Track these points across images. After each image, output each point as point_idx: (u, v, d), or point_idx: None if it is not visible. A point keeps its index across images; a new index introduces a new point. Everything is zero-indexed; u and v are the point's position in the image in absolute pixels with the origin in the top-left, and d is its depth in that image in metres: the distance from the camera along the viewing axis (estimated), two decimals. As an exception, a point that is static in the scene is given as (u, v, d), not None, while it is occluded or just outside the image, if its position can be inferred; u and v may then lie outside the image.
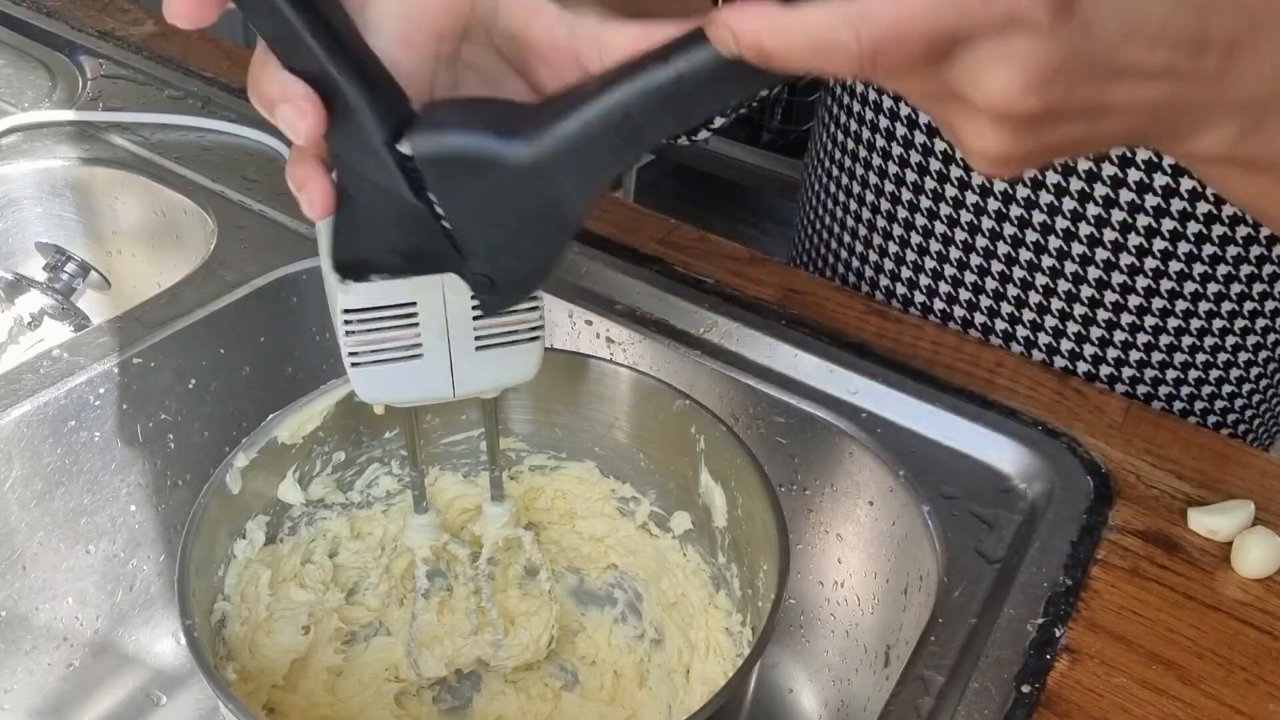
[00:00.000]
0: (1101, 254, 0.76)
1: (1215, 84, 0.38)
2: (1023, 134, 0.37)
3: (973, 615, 0.59)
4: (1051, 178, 0.75)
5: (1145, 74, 0.37)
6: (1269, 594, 0.61)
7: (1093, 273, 0.78)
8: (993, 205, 0.79)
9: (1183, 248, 0.74)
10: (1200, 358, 0.81)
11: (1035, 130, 0.37)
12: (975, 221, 0.80)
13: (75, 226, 0.91)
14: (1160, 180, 0.72)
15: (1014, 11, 0.33)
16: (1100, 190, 0.74)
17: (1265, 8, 0.38)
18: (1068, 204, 0.76)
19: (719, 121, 0.78)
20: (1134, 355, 0.81)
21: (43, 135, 0.91)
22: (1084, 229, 0.76)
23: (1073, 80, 0.35)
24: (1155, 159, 0.72)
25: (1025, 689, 0.55)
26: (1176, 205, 0.73)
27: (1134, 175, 0.73)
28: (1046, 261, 0.78)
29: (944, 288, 0.84)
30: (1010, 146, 0.37)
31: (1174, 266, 0.75)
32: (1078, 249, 0.77)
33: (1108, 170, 0.73)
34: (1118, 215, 0.74)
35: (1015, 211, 0.78)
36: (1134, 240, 0.75)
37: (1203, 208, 0.72)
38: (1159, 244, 0.74)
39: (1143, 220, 0.74)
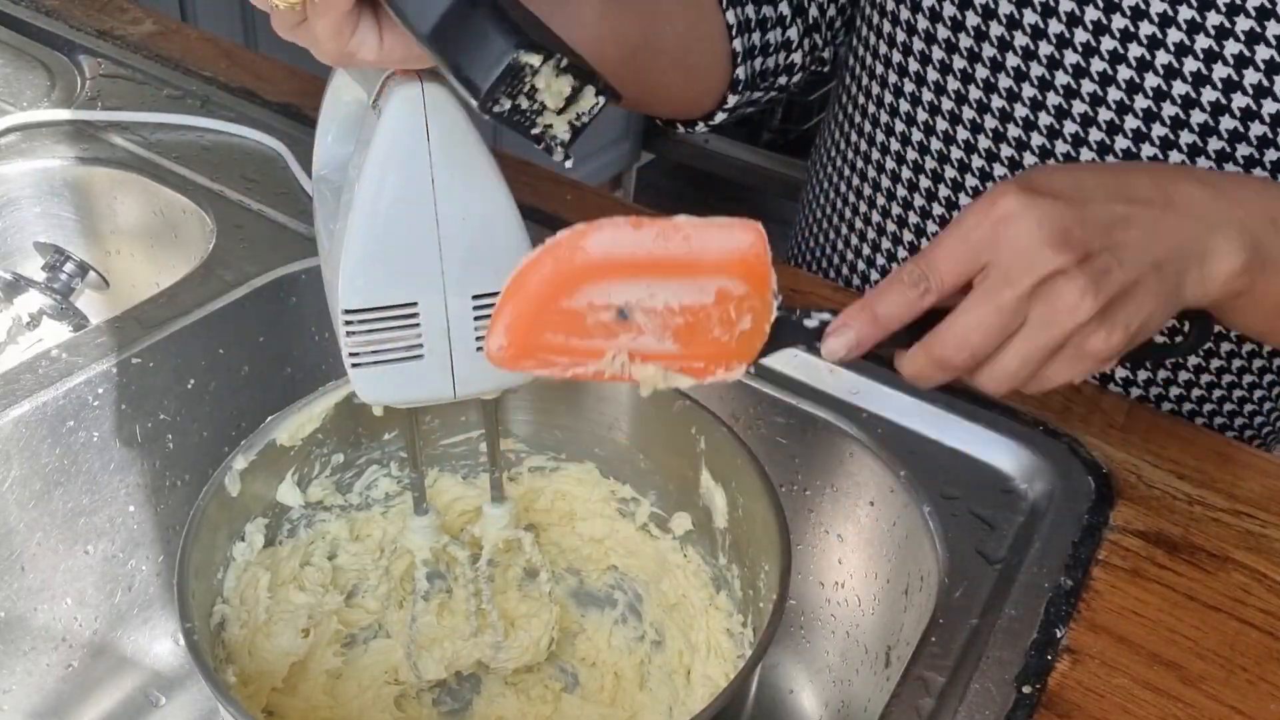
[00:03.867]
0: None
1: (1168, 214, 0.53)
2: (1083, 280, 0.49)
3: (974, 616, 0.59)
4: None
5: (1117, 215, 0.51)
6: (1270, 594, 0.61)
7: None
8: None
9: None
10: (1214, 363, 0.80)
11: (1090, 274, 0.49)
12: None
13: (74, 226, 0.91)
14: None
15: (997, 211, 0.49)
16: None
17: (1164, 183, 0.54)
18: None
19: (720, 117, 0.78)
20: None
21: (41, 135, 0.91)
22: None
23: (1075, 226, 0.49)
24: None
25: (1026, 690, 0.55)
26: None
27: None
28: None
29: None
30: (1082, 294, 0.49)
31: None
32: None
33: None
34: None
35: None
36: None
37: None
38: None
39: None
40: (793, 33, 0.78)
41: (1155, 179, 0.54)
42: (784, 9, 0.77)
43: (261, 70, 1.02)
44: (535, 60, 0.44)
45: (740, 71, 0.75)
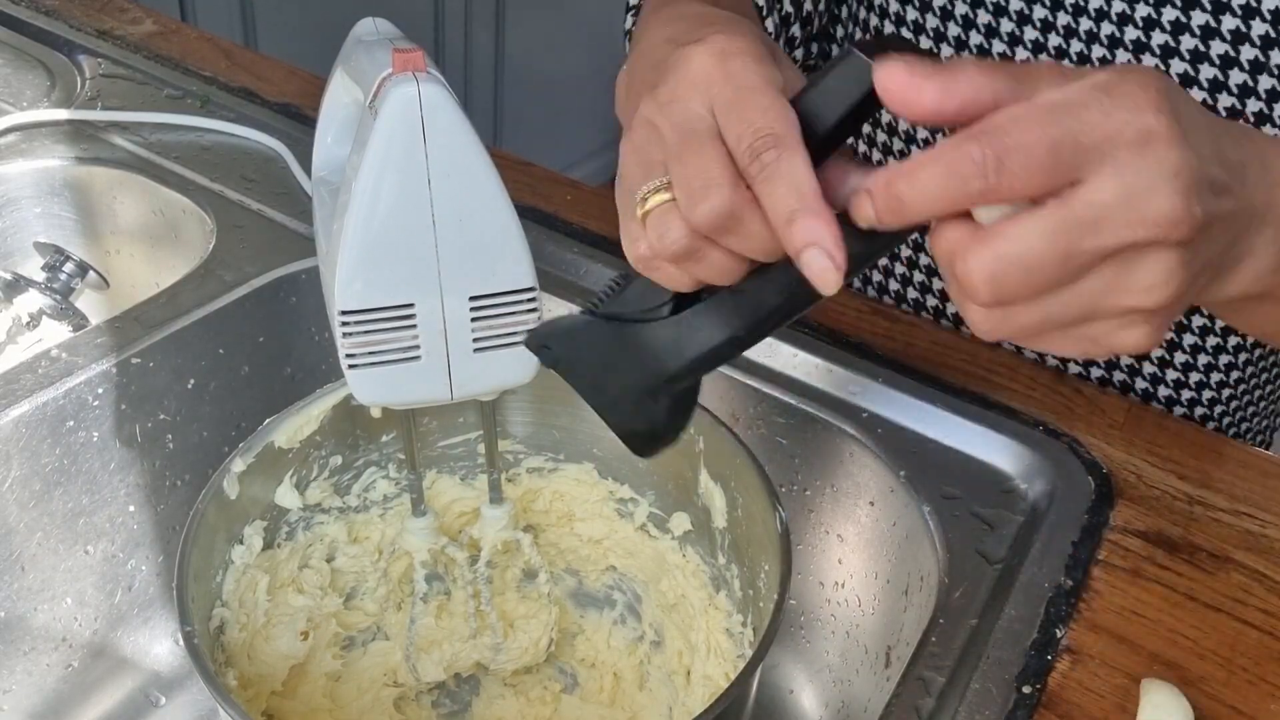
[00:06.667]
0: None
1: (1245, 196, 0.40)
2: (1175, 262, 0.37)
3: (973, 616, 0.59)
4: None
5: (1222, 187, 0.39)
6: (1270, 594, 0.60)
7: None
8: None
9: None
10: (1201, 359, 0.80)
11: (1185, 259, 0.37)
12: None
13: (74, 226, 0.91)
14: None
15: (1141, 124, 0.36)
16: None
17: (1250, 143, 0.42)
18: None
19: None
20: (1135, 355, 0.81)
21: (41, 135, 0.91)
22: None
23: (1203, 194, 0.37)
24: None
25: (1026, 690, 0.55)
26: None
27: None
28: None
29: (938, 284, 0.83)
30: (1167, 280, 0.37)
31: None
32: None
33: None
34: None
35: None
36: None
37: None
38: None
39: None
40: (796, 28, 0.78)
41: (1252, 144, 0.42)
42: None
43: (261, 70, 1.02)
44: None
45: None
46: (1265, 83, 0.66)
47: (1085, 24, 0.69)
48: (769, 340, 0.75)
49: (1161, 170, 0.36)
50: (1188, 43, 0.66)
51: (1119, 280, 0.37)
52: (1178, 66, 0.67)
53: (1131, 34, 0.68)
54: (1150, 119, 0.36)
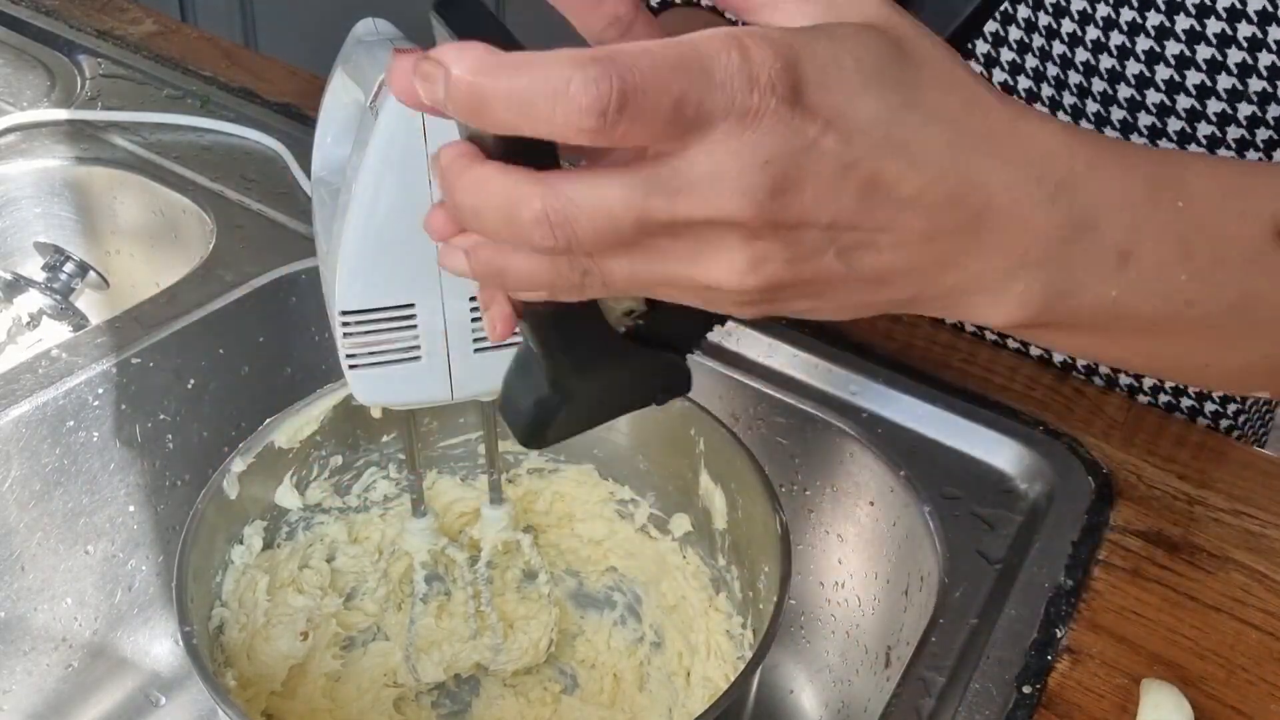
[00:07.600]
0: None
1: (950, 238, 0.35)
2: (773, 244, 0.34)
3: (974, 616, 0.59)
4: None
5: (866, 184, 0.34)
6: (1270, 594, 0.60)
7: None
8: None
9: None
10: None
11: (779, 249, 0.34)
12: None
13: (74, 226, 0.91)
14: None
15: (748, 102, 0.31)
16: None
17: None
18: None
19: None
20: None
21: (41, 135, 0.91)
22: None
23: (811, 183, 0.33)
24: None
25: (1026, 690, 0.55)
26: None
27: None
28: None
29: None
30: (748, 270, 0.34)
31: None
32: None
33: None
34: None
35: None
36: None
37: None
38: None
39: None
40: None
41: (968, 158, 0.35)
42: None
43: (261, 70, 1.02)
44: None
45: None
46: None
47: (1100, 16, 0.69)
48: (769, 340, 0.75)
49: (752, 157, 0.31)
50: (1203, 52, 0.66)
51: (695, 255, 0.34)
52: (1194, 78, 0.67)
53: (1148, 43, 0.67)
54: (756, 98, 0.31)
